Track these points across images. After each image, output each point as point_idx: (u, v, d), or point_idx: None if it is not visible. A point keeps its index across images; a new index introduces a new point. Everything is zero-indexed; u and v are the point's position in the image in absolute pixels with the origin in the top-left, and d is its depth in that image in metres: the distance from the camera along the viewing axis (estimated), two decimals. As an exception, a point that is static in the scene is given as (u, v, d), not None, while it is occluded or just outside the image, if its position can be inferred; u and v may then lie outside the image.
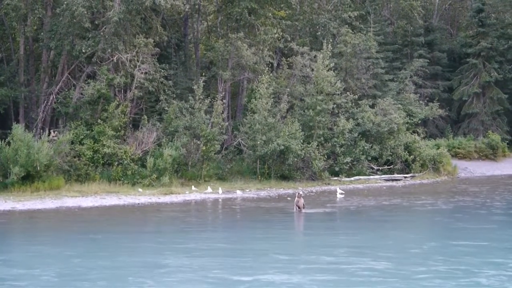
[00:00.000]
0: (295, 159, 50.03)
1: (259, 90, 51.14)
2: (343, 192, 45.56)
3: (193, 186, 45.40)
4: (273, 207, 39.31)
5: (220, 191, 45.02)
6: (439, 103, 70.33)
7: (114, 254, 24.65)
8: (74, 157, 44.85)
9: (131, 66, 48.30)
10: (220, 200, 42.91)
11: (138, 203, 40.04)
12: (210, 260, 23.39)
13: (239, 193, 45.39)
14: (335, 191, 45.92)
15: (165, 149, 46.37)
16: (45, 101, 48.68)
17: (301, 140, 50.47)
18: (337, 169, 53.55)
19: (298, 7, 66.22)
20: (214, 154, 49.12)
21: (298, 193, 36.60)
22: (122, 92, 49.19)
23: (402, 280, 20.13)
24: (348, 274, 20.96)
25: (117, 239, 28.63)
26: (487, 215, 36.32)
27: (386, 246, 26.42)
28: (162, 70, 50.89)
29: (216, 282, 20.11)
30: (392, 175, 56.03)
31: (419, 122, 66.14)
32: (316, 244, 27.31)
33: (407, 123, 60.52)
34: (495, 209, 39.11)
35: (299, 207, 35.88)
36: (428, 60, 76.43)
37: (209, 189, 45.01)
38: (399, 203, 41.72)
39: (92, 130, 46.45)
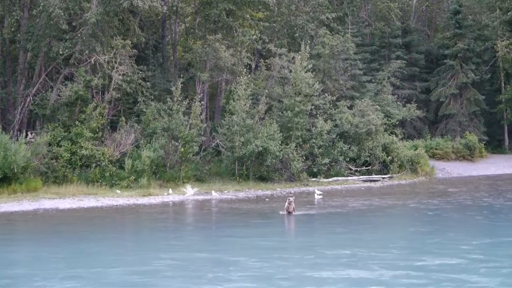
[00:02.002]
0: (274, 160, 50.06)
1: (237, 92, 51.12)
2: (322, 193, 45.55)
3: (170, 190, 45.11)
4: (260, 208, 39.18)
5: (192, 191, 44.80)
6: (416, 104, 70.75)
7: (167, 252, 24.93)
8: (52, 159, 44.67)
9: (109, 67, 48.18)
10: (199, 201, 42.76)
11: (116, 205, 39.87)
12: (268, 257, 23.48)
13: (216, 194, 45.28)
14: (314, 192, 45.88)
15: (143, 150, 46.26)
16: (22, 103, 48.40)
17: (280, 141, 50.50)
18: (315, 170, 53.60)
19: (276, 8, 66.21)
20: (192, 155, 49.09)
21: (289, 199, 36.46)
22: (100, 93, 49.06)
23: (487, 277, 20.09)
24: (423, 270, 20.94)
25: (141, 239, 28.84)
26: (509, 213, 36.55)
27: (434, 244, 26.30)
28: (140, 72, 50.85)
29: (297, 279, 20.20)
30: (370, 176, 56.11)
31: (397, 123, 66.33)
32: (361, 240, 27.44)
33: (385, 124, 60.62)
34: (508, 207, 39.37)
35: (289, 212, 35.74)
36: (406, 62, 76.87)
37: (189, 191, 44.83)
38: (399, 203, 41.60)
39: (70, 132, 46.25)
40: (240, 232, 30.45)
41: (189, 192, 44.55)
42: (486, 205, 39.67)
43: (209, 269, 21.68)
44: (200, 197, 43.92)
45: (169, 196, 43.78)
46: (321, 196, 44.23)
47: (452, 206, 39.46)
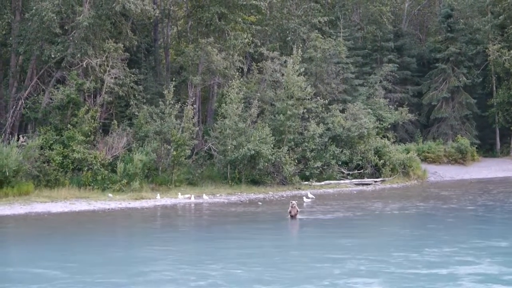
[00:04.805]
0: (266, 163, 50.04)
1: (229, 95, 51.08)
2: (313, 197, 45.50)
3: (158, 195, 44.84)
4: (266, 212, 39.11)
5: (179, 195, 44.69)
6: (408, 108, 70.95)
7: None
8: (44, 162, 44.49)
9: (101, 71, 48.09)
10: (192, 205, 42.67)
11: (108, 209, 39.75)
12: (348, 255, 23.64)
13: (207, 198, 45.12)
14: (306, 196, 45.81)
15: (135, 154, 46.18)
16: (14, 106, 48.28)
17: (272, 145, 50.47)
18: (307, 173, 53.61)
19: (268, 12, 66.32)
20: (185, 159, 48.98)
21: (292, 203, 36.25)
22: (92, 97, 48.93)
23: None
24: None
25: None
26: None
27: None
28: (132, 75, 50.76)
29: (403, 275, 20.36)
30: (362, 180, 56.16)
31: (389, 126, 66.52)
32: (427, 240, 27.63)
33: (377, 127, 60.71)
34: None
35: (291, 215, 35.57)
36: (398, 65, 77.03)
37: (180, 195, 44.69)
38: (408, 206, 41.27)
39: (62, 135, 46.13)
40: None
41: (187, 197, 44.34)
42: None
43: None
44: (194, 201, 43.81)
45: (162, 199, 43.65)
46: (309, 200, 44.05)
47: (475, 208, 39.80)
